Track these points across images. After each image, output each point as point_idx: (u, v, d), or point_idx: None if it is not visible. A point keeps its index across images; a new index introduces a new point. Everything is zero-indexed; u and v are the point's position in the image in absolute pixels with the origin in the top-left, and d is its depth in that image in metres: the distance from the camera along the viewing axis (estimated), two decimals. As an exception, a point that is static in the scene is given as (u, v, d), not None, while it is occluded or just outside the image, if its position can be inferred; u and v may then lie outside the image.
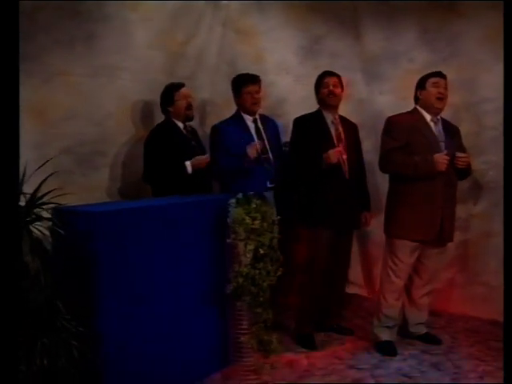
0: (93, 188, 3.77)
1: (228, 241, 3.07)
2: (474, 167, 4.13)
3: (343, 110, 4.46)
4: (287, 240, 3.89)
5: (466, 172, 3.66)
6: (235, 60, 4.61)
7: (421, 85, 3.67)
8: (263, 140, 3.97)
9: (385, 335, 3.63)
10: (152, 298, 2.92)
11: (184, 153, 3.70)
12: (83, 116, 3.72)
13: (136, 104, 4.03)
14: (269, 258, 3.08)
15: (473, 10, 4.10)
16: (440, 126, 3.64)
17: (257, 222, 3.03)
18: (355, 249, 4.69)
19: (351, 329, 3.97)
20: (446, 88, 3.62)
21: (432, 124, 3.62)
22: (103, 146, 3.85)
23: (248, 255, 3.03)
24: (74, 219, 2.72)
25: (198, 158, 3.68)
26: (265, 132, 4.00)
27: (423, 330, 3.80)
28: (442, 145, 3.56)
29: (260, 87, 3.97)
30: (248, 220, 3.03)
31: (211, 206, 3.22)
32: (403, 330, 3.81)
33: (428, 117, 3.63)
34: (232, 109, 4.21)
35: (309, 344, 3.69)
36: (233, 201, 3.10)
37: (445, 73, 4.19)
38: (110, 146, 3.89)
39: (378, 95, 4.54)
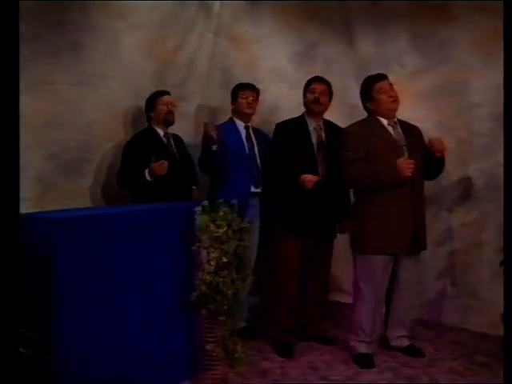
0: (77, 194, 3.84)
1: (193, 248, 3.07)
2: (464, 175, 4.07)
3: (337, 116, 4.43)
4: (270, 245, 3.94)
5: (441, 165, 3.54)
6: (229, 67, 4.61)
7: (366, 95, 3.57)
8: (252, 146, 4.01)
9: (362, 348, 3.54)
10: (115, 306, 2.91)
11: (159, 159, 3.68)
12: (68, 123, 3.76)
13: (123, 111, 4.06)
14: (233, 266, 3.06)
15: (463, 14, 4.02)
16: (399, 129, 3.54)
17: (221, 229, 3.02)
18: (349, 258, 4.63)
19: (334, 339, 3.90)
20: (392, 87, 3.52)
21: (390, 128, 3.52)
22: (88, 153, 3.89)
23: (212, 263, 3.03)
24: (32, 226, 2.74)
25: (152, 164, 3.58)
26: (256, 140, 4.06)
27: (405, 342, 3.69)
28: (404, 148, 3.46)
29: (257, 97, 4.07)
30: (212, 228, 3.02)
31: (180, 213, 3.21)
32: (385, 342, 3.72)
33: (385, 121, 3.53)
34: (225, 116, 4.24)
35: (286, 353, 3.65)
36: (198, 208, 3.09)
37: (435, 78, 4.13)
38: (95, 152, 3.93)
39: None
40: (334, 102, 4.66)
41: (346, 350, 3.68)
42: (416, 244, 3.46)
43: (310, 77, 4.07)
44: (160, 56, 4.24)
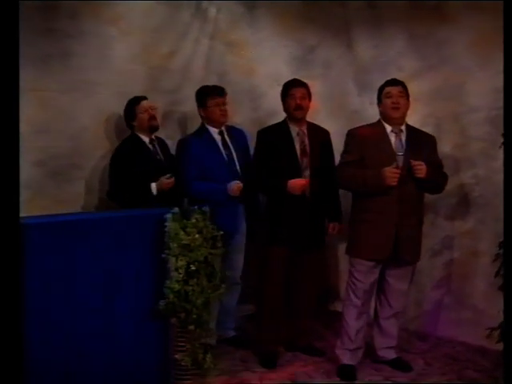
0: (66, 200, 3.85)
1: (162, 256, 3.03)
2: (461, 181, 3.91)
3: (336, 121, 4.34)
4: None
5: (432, 184, 3.39)
6: (226, 72, 4.54)
7: (379, 97, 3.48)
8: (230, 152, 3.90)
9: (346, 358, 3.43)
10: (84, 313, 2.89)
11: (148, 168, 3.65)
12: (56, 130, 3.79)
13: (114, 118, 4.04)
14: (203, 275, 3.01)
15: (460, 15, 3.87)
16: (402, 137, 3.41)
17: (190, 237, 2.97)
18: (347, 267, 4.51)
19: (321, 350, 3.79)
20: (401, 95, 3.39)
21: (393, 135, 3.40)
22: (78, 160, 3.89)
23: (180, 271, 2.97)
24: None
25: (163, 180, 3.55)
26: (232, 143, 3.94)
27: (393, 354, 3.57)
28: (400, 158, 3.33)
29: (226, 99, 3.90)
30: (182, 235, 2.97)
31: (152, 219, 3.16)
32: (372, 354, 3.60)
33: (388, 128, 3.42)
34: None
35: (268, 363, 3.57)
36: (169, 215, 3.05)
37: (433, 80, 3.99)
38: (85, 159, 3.93)
39: (368, 105, 4.35)
40: (332, 107, 4.60)
41: (331, 362, 3.58)
42: (398, 255, 3.33)
43: (309, 81, 3.98)
44: (153, 62, 4.21)
